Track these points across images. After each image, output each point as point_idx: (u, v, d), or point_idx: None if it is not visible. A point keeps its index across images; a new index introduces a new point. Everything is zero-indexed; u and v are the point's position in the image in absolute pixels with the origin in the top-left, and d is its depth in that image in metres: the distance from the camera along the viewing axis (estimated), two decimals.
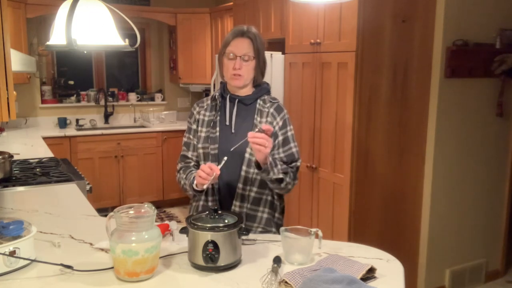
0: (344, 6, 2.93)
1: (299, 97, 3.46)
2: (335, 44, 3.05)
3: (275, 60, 3.63)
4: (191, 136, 1.97)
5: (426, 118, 3.19)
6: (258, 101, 1.93)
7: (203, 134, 1.91)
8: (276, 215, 1.98)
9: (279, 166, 1.81)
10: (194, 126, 1.96)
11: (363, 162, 2.99)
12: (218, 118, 1.92)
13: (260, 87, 1.96)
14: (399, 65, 3.02)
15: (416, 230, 3.31)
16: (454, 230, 3.40)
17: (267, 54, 3.62)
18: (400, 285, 1.42)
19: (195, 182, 1.79)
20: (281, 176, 1.80)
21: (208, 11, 5.39)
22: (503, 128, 3.48)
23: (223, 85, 1.97)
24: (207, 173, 1.68)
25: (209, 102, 1.98)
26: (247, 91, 1.94)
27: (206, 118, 1.94)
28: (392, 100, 3.04)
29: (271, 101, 1.95)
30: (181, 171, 1.95)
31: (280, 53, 3.65)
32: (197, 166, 1.93)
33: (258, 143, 1.65)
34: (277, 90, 3.65)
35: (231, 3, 4.68)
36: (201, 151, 1.90)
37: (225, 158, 1.72)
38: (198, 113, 1.97)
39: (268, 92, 1.97)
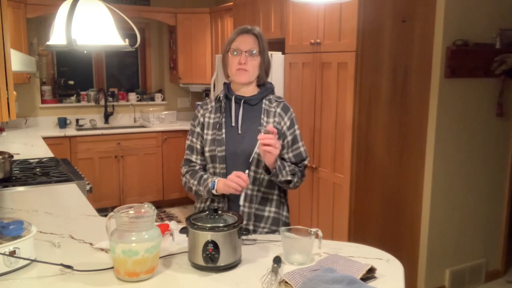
0: (344, 6, 2.93)
1: (299, 97, 3.46)
2: (335, 44, 3.05)
3: (275, 60, 3.63)
4: (194, 139, 1.94)
5: (426, 118, 3.19)
6: (264, 101, 1.92)
7: (209, 137, 1.89)
8: (284, 213, 1.98)
9: (287, 168, 1.82)
10: (197, 129, 1.94)
11: (363, 162, 2.99)
12: (223, 120, 1.90)
13: (265, 86, 1.95)
14: (399, 65, 3.02)
15: (416, 230, 3.31)
16: (454, 230, 3.40)
17: None
18: (400, 285, 1.42)
19: (214, 187, 1.80)
20: (289, 178, 1.82)
21: (208, 11, 5.39)
22: (503, 128, 3.48)
23: (227, 86, 1.95)
24: (242, 186, 1.71)
25: (213, 104, 1.95)
26: (252, 91, 1.92)
27: (211, 120, 1.92)
28: (392, 100, 3.04)
29: (277, 101, 1.94)
30: (187, 175, 1.92)
31: (280, 53, 3.65)
32: (203, 169, 1.93)
33: (268, 143, 1.67)
34: (277, 90, 3.62)
35: (231, 3, 4.68)
36: (207, 154, 1.88)
37: (247, 171, 1.76)
38: (203, 115, 1.94)
39: (272, 91, 1.96)
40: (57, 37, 1.63)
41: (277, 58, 3.63)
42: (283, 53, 3.64)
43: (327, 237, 2.47)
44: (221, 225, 1.49)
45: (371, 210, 3.07)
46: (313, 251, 1.58)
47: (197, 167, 1.93)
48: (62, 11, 1.61)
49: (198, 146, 1.93)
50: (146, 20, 5.66)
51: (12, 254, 1.44)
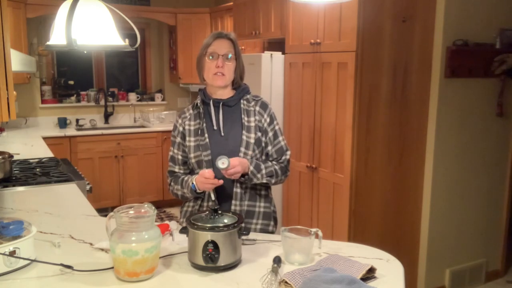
0: (344, 6, 2.93)
1: (299, 97, 3.46)
2: (335, 44, 3.05)
3: (275, 60, 3.63)
4: (175, 150, 1.99)
5: (426, 118, 3.19)
6: (242, 101, 1.95)
7: (192, 143, 1.92)
8: (272, 208, 2.03)
9: (263, 171, 1.87)
10: (178, 139, 1.97)
11: (363, 162, 2.99)
12: (204, 125, 1.93)
13: (241, 87, 1.98)
14: (399, 65, 3.02)
15: (416, 230, 3.31)
16: (454, 230, 3.40)
17: (267, 54, 3.63)
18: (400, 285, 1.42)
19: (196, 188, 1.84)
20: (265, 181, 1.88)
21: (208, 11, 5.39)
22: (503, 128, 3.48)
23: (202, 91, 1.98)
24: (211, 183, 1.77)
25: (191, 111, 1.98)
26: (228, 93, 1.95)
27: (192, 127, 1.94)
28: (392, 100, 3.04)
29: (254, 99, 1.98)
30: (172, 183, 1.98)
31: (280, 53, 3.65)
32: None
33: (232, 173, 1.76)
34: (277, 90, 3.65)
35: (231, 3, 4.68)
36: (193, 160, 1.91)
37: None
38: (182, 124, 1.97)
39: (248, 91, 2.00)
40: (57, 37, 1.63)
41: (277, 58, 3.63)
42: (283, 53, 3.64)
43: (327, 237, 2.47)
44: (221, 225, 1.49)
45: (371, 210, 3.07)
46: (313, 251, 1.58)
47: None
48: (62, 11, 1.61)
49: (180, 157, 1.97)
50: (146, 20, 5.66)
51: (12, 254, 1.44)
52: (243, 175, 1.82)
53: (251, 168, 1.82)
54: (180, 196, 1.95)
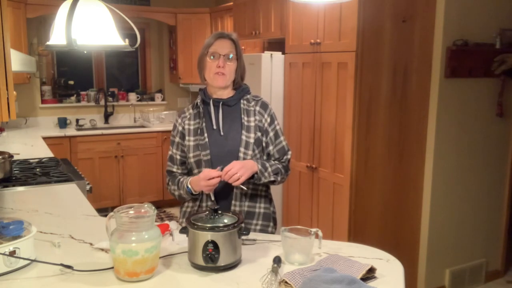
0: (344, 6, 2.93)
1: (299, 97, 3.46)
2: (335, 44, 3.05)
3: (275, 60, 3.63)
4: (174, 150, 1.99)
5: (426, 118, 3.19)
6: (242, 101, 1.95)
7: (191, 143, 1.92)
8: (272, 208, 2.03)
9: (269, 169, 1.87)
10: (177, 139, 1.97)
11: (363, 162, 2.99)
12: (204, 124, 1.93)
13: (241, 87, 1.98)
14: (399, 65, 3.02)
15: (416, 230, 3.31)
16: (454, 230, 3.40)
17: (267, 54, 3.63)
18: (400, 285, 1.42)
19: (189, 187, 1.85)
20: (272, 178, 1.88)
21: (208, 11, 5.40)
22: (503, 128, 3.48)
23: (203, 91, 1.98)
24: (213, 185, 1.77)
25: (191, 111, 1.98)
26: (229, 93, 1.96)
27: (192, 127, 1.94)
28: (392, 100, 3.04)
29: (254, 99, 1.98)
30: (170, 183, 1.99)
31: (280, 53, 3.66)
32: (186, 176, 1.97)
33: (232, 177, 1.74)
34: (277, 90, 3.65)
35: (231, 3, 4.68)
36: (192, 160, 1.91)
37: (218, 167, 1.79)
38: (181, 124, 1.97)
39: (248, 91, 2.00)
40: (57, 37, 1.63)
41: (277, 58, 3.63)
42: (283, 53, 3.64)
43: (327, 237, 2.47)
44: (221, 225, 1.49)
45: (371, 210, 3.07)
46: (313, 251, 1.58)
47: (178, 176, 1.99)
48: (62, 11, 1.61)
49: (178, 157, 1.98)
50: (146, 20, 5.66)
51: (12, 254, 1.44)
52: (251, 176, 1.82)
53: (259, 166, 1.82)
54: (177, 196, 1.96)
